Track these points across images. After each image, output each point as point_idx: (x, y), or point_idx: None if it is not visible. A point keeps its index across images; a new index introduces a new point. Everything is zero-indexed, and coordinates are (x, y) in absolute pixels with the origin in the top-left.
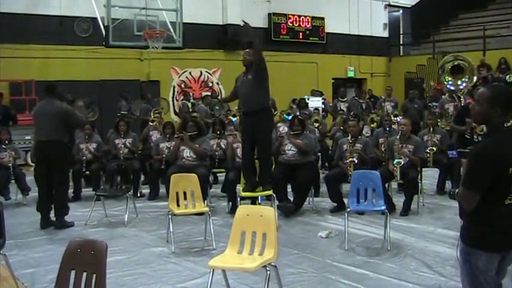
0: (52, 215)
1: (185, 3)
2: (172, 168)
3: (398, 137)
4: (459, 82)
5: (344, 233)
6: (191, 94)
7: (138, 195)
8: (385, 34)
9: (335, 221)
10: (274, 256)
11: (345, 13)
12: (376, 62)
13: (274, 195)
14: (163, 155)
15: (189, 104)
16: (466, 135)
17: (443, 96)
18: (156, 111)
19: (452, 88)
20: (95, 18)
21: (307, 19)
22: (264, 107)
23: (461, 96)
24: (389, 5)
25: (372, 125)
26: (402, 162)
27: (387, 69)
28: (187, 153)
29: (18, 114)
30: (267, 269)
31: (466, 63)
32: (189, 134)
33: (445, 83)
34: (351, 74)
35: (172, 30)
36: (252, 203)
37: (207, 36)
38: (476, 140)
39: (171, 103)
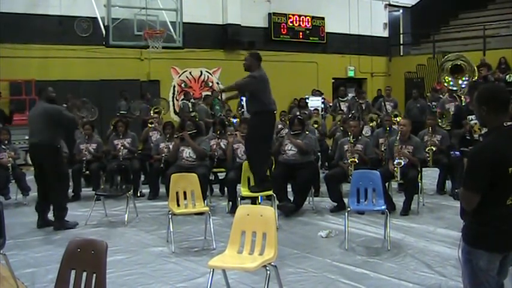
0: (51, 215)
1: (185, 3)
2: (172, 168)
3: (397, 137)
4: (460, 82)
5: (344, 233)
6: (191, 94)
7: (138, 195)
8: (385, 34)
9: (335, 220)
10: (274, 256)
11: (345, 13)
12: (376, 61)
13: (274, 195)
14: (163, 155)
15: (190, 104)
16: (466, 136)
17: (443, 96)
18: (156, 109)
19: (454, 88)
20: (95, 18)
21: (307, 19)
22: (256, 111)
23: (462, 96)
24: (390, 5)
25: (371, 124)
26: (402, 163)
27: (387, 69)
28: (187, 153)
29: (19, 114)
30: (267, 268)
31: (466, 64)
32: (187, 133)
33: (446, 83)
34: (351, 74)
35: (172, 30)
36: (252, 203)
37: (207, 36)
38: (477, 139)
39: (171, 103)
